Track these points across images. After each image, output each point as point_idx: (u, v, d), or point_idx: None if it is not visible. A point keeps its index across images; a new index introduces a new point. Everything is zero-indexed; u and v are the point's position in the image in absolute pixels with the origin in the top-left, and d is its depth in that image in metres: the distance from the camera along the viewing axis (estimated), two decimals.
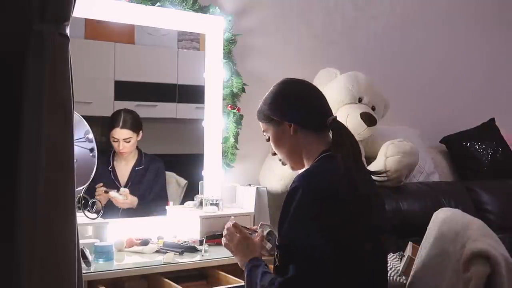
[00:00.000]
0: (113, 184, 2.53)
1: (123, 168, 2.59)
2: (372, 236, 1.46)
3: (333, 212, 1.37)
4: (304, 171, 1.51)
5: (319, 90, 1.63)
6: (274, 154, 1.65)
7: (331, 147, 1.52)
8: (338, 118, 1.67)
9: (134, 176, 2.59)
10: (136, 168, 2.60)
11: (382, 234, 1.50)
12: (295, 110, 1.56)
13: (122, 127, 2.51)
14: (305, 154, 1.55)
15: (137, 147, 2.60)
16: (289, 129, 1.55)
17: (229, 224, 1.63)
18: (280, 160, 1.67)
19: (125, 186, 2.56)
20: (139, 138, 2.57)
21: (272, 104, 1.59)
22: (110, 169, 2.56)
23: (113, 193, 2.46)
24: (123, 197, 2.48)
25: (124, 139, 2.51)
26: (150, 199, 2.60)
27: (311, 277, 1.34)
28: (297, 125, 1.54)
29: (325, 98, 1.62)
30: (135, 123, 2.55)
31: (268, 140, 1.63)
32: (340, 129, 1.57)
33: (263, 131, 1.65)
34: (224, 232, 1.62)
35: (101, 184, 2.45)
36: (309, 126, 1.55)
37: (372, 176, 1.60)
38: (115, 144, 2.52)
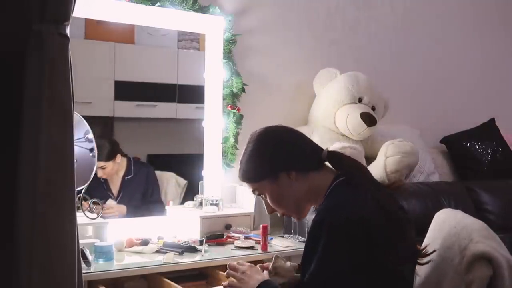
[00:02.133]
0: (106, 195, 2.53)
1: (114, 179, 2.58)
2: (411, 257, 1.41)
3: (368, 242, 1.29)
4: (325, 204, 1.41)
5: (296, 130, 1.57)
6: (272, 211, 1.53)
7: (337, 176, 1.45)
8: (338, 118, 1.65)
9: (125, 186, 2.58)
10: (126, 178, 2.59)
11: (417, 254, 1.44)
12: (287, 157, 1.47)
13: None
14: (313, 196, 1.47)
15: (125, 156, 2.59)
16: (288, 179, 1.45)
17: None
18: (282, 215, 1.56)
19: (117, 196, 2.56)
20: (118, 161, 2.55)
21: (259, 161, 1.48)
22: (102, 181, 2.55)
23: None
24: (109, 210, 2.47)
25: (99, 166, 2.47)
26: (145, 206, 2.59)
27: None
28: (296, 170, 1.45)
29: (306, 136, 1.56)
30: (106, 154, 2.51)
31: (259, 195, 1.52)
32: (338, 157, 1.51)
33: (254, 190, 1.52)
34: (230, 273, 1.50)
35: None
36: (308, 167, 1.47)
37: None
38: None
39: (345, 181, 1.44)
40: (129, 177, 2.60)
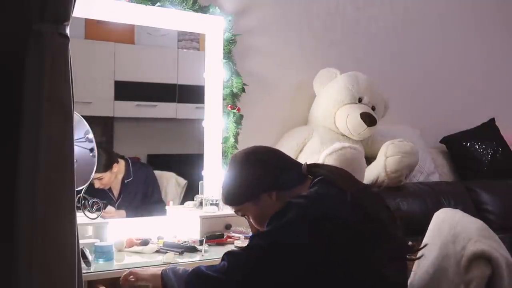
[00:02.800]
0: (108, 197, 2.52)
1: (114, 182, 2.57)
2: (398, 257, 1.42)
3: (335, 240, 1.32)
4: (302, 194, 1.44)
5: (275, 150, 1.61)
6: (256, 231, 1.55)
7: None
8: (338, 118, 1.66)
9: (125, 189, 2.58)
10: (126, 181, 2.58)
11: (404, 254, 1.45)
12: (267, 178, 1.50)
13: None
14: None
15: (123, 158, 2.58)
16: (269, 199, 1.48)
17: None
18: None
19: (118, 199, 2.56)
20: (115, 170, 2.54)
21: (240, 184, 1.52)
22: None
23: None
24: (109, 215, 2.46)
25: (97, 178, 2.46)
26: (146, 206, 2.59)
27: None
28: (277, 190, 1.48)
29: (284, 154, 1.59)
30: (103, 165, 2.48)
31: (243, 216, 1.56)
32: (317, 166, 1.53)
33: (236, 211, 1.56)
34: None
35: None
36: (289, 184, 1.49)
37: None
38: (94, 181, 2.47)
39: (323, 180, 1.45)
40: (129, 180, 2.59)
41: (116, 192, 2.57)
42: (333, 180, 1.44)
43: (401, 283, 1.46)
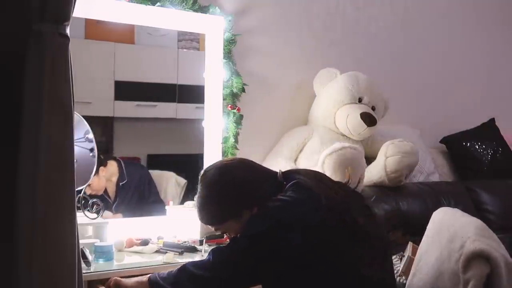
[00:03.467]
0: (104, 200, 2.51)
1: (110, 185, 2.56)
2: (379, 256, 1.45)
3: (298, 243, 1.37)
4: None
5: (248, 162, 1.61)
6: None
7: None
8: (338, 118, 1.66)
9: (121, 191, 2.56)
10: (121, 184, 2.57)
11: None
12: (247, 195, 1.51)
13: None
14: None
15: (115, 159, 2.57)
16: (250, 214, 1.49)
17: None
18: None
19: (114, 202, 2.55)
20: (103, 174, 2.52)
21: (219, 205, 1.53)
22: None
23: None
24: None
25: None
26: (144, 206, 2.58)
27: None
28: (258, 204, 1.48)
29: (258, 165, 1.60)
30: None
31: (223, 233, 1.63)
32: (292, 172, 1.56)
33: (217, 229, 1.60)
34: None
35: None
36: (269, 195, 1.49)
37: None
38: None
39: (297, 184, 1.47)
40: (123, 182, 2.57)
41: (112, 195, 2.56)
42: (306, 184, 1.47)
43: (387, 282, 1.48)
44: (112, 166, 2.56)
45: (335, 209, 1.42)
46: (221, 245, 1.64)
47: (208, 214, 1.56)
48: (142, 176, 2.64)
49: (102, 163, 2.51)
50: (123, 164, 2.58)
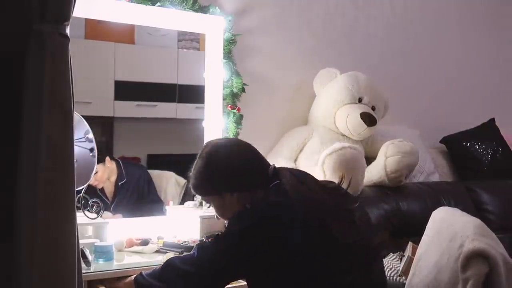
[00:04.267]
0: (102, 201, 2.51)
1: (108, 185, 2.55)
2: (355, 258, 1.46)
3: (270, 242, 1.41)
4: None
5: (248, 147, 1.63)
6: (219, 219, 1.65)
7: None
8: (338, 118, 1.66)
9: (120, 192, 2.56)
10: (120, 183, 2.56)
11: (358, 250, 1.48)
12: (232, 180, 1.55)
13: None
14: None
15: (114, 159, 2.56)
16: (231, 197, 1.54)
17: None
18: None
19: (112, 202, 2.54)
20: (109, 165, 2.52)
21: (206, 179, 1.58)
22: (95, 186, 2.53)
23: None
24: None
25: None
26: (144, 206, 2.57)
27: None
28: (239, 191, 1.54)
29: (251, 150, 1.62)
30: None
31: (209, 207, 1.67)
32: (280, 170, 1.57)
33: (202, 199, 1.69)
34: None
35: None
36: (253, 186, 1.54)
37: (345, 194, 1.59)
38: None
39: (279, 186, 1.50)
40: (122, 182, 2.56)
41: (110, 195, 2.55)
42: (287, 189, 1.48)
43: (377, 283, 1.50)
44: (112, 166, 2.55)
45: (308, 216, 1.43)
46: (206, 241, 1.68)
47: (195, 184, 1.61)
48: (141, 176, 2.64)
49: (108, 153, 2.53)
50: (121, 164, 2.58)
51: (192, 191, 1.64)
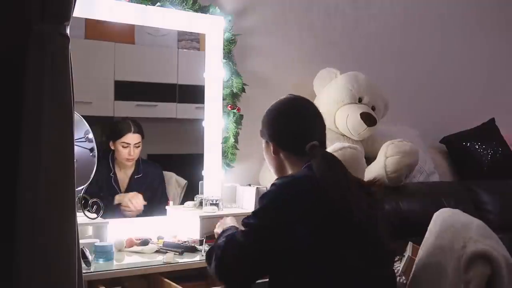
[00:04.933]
0: (113, 189, 2.53)
1: (123, 175, 2.58)
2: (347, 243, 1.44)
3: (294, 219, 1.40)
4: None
5: (311, 114, 1.66)
6: None
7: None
8: (338, 118, 1.67)
9: (134, 184, 2.57)
10: (136, 177, 2.58)
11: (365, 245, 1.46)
12: (277, 132, 1.62)
13: (134, 132, 2.52)
14: (283, 171, 1.63)
15: None
16: (271, 149, 1.62)
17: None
18: None
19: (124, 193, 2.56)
20: (140, 149, 2.57)
21: (263, 122, 1.68)
22: (112, 175, 2.55)
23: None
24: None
25: (135, 144, 2.52)
26: (150, 205, 2.58)
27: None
28: (277, 146, 1.61)
29: (315, 122, 1.65)
30: (142, 130, 2.57)
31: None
32: (317, 154, 1.55)
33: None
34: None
35: None
36: (288, 149, 1.60)
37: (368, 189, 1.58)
38: (125, 150, 2.51)
39: (309, 167, 1.51)
40: (138, 176, 2.59)
41: (123, 188, 2.56)
42: (315, 171, 1.48)
43: (386, 277, 1.50)
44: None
45: (330, 201, 1.42)
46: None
47: (261, 125, 1.69)
48: (158, 175, 2.66)
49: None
50: (140, 160, 2.59)
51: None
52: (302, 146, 1.55)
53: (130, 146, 2.51)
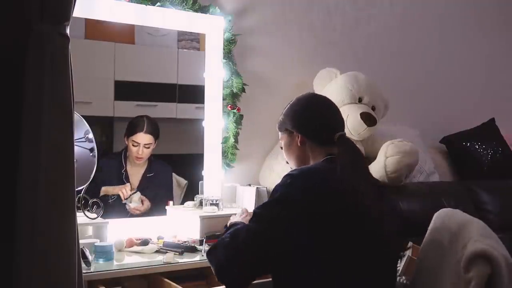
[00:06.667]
0: (125, 189, 2.53)
1: (135, 173, 2.58)
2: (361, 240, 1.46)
3: (309, 204, 1.43)
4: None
5: (335, 108, 1.72)
6: (287, 162, 1.74)
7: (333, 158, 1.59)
8: None
9: (145, 183, 2.58)
10: (148, 175, 2.59)
11: (376, 240, 1.48)
12: (306, 123, 1.67)
13: (146, 132, 2.52)
14: (306, 162, 1.65)
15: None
16: (296, 140, 1.66)
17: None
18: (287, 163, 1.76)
19: (134, 192, 2.56)
20: (154, 147, 2.57)
21: (288, 115, 1.72)
22: (123, 172, 2.55)
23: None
24: (138, 204, 2.51)
25: (145, 144, 2.52)
26: (156, 204, 2.58)
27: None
28: (305, 137, 1.64)
29: (339, 115, 1.70)
30: (157, 131, 2.56)
31: (282, 148, 1.74)
32: (345, 143, 1.61)
33: (280, 139, 1.75)
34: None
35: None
36: (316, 139, 1.63)
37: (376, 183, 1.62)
38: (134, 149, 2.52)
39: (330, 158, 1.57)
40: (150, 175, 2.59)
41: (134, 185, 2.56)
42: (337, 164, 1.51)
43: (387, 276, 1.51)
44: (146, 159, 2.59)
45: (348, 188, 1.45)
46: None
47: (281, 117, 1.74)
48: (168, 177, 2.68)
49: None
50: (152, 159, 2.60)
51: (277, 126, 1.76)
52: (330, 136, 1.61)
53: (139, 146, 2.51)
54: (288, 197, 1.46)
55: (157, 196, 2.59)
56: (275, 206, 1.47)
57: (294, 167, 1.69)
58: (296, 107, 1.71)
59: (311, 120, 1.67)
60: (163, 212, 2.54)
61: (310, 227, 1.41)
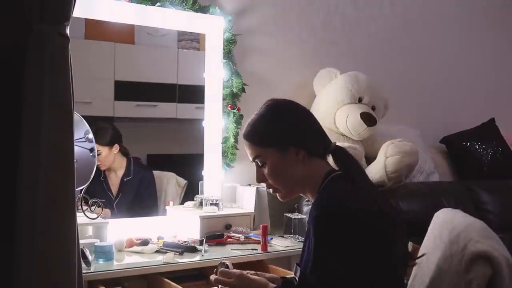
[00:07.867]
0: (105, 194, 2.52)
1: (113, 178, 2.57)
2: (402, 258, 1.40)
3: (364, 232, 1.28)
4: (320, 197, 1.38)
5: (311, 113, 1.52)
6: (261, 182, 1.46)
7: (333, 170, 1.43)
8: (338, 118, 1.63)
9: (124, 187, 2.57)
10: (125, 179, 2.58)
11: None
12: (304, 134, 1.42)
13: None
14: (307, 183, 1.43)
15: (125, 156, 2.58)
16: (295, 156, 1.40)
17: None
18: (269, 188, 1.48)
19: (116, 197, 2.55)
20: (115, 151, 2.53)
21: (275, 126, 1.43)
22: (102, 179, 2.54)
23: None
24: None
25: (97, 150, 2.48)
26: (140, 206, 2.58)
27: None
28: (306, 151, 1.40)
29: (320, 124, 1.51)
30: (105, 138, 2.47)
31: (261, 166, 1.44)
32: (343, 153, 1.45)
33: (255, 156, 1.44)
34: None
35: None
36: (315, 152, 1.42)
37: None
38: None
39: (341, 176, 1.41)
40: (128, 178, 2.58)
41: (115, 190, 2.56)
42: (353, 175, 1.40)
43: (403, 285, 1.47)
44: (121, 160, 2.56)
45: (378, 203, 1.35)
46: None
47: (257, 130, 1.44)
48: (147, 177, 2.64)
49: (119, 140, 2.53)
50: (131, 162, 2.59)
51: (249, 139, 1.44)
52: (327, 146, 1.44)
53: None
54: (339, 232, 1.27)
55: (137, 198, 2.58)
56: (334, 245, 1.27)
57: (283, 188, 1.45)
58: (289, 115, 1.44)
59: (308, 130, 1.45)
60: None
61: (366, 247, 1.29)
